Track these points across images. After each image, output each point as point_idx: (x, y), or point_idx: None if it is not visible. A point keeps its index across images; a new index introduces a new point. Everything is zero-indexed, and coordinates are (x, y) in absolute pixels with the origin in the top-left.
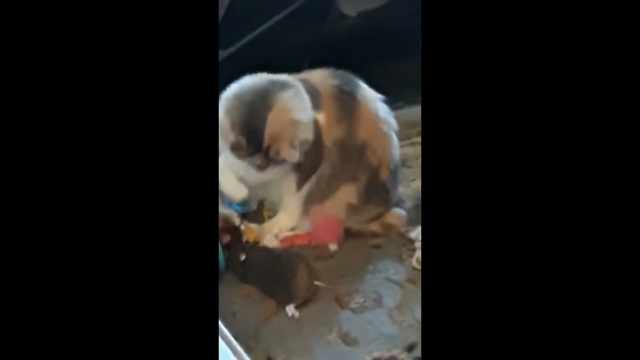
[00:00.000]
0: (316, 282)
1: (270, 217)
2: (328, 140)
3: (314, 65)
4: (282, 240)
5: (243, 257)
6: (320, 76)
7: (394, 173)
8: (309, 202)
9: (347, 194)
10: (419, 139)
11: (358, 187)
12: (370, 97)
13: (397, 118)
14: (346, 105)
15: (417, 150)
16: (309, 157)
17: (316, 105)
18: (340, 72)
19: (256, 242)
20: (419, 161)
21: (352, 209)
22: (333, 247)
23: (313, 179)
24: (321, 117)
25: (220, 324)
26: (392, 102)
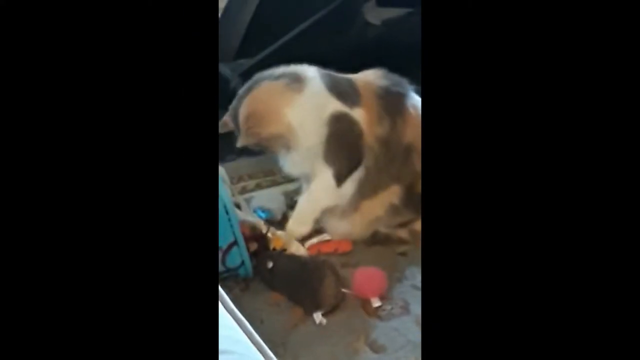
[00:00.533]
0: (343, 290)
1: None
2: (369, 137)
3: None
4: (309, 248)
5: (270, 265)
6: (371, 76)
7: None
8: (360, 197)
9: (392, 194)
10: None
11: (401, 189)
12: (420, 102)
13: None
14: (392, 105)
15: None
16: (342, 154)
17: (353, 101)
18: (393, 75)
19: (283, 250)
20: None
21: (392, 209)
22: (376, 303)
23: (361, 171)
24: (358, 114)
25: (251, 329)
26: None
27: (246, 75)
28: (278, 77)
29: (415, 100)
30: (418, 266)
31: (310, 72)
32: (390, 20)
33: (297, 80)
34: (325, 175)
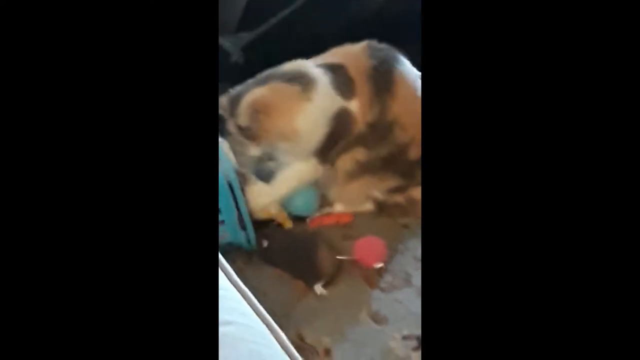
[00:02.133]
0: (338, 257)
1: None
2: (361, 124)
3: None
4: (311, 221)
5: (266, 244)
6: (360, 56)
7: None
8: (350, 177)
9: (375, 164)
10: None
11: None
12: (410, 74)
13: None
14: (381, 85)
15: None
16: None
17: (351, 93)
18: (380, 46)
19: (278, 225)
20: None
21: (363, 169)
22: (378, 265)
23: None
24: (354, 105)
25: (255, 301)
26: None
27: (247, 48)
28: (290, 80)
29: (404, 74)
30: (419, 238)
31: (316, 73)
32: None
33: (308, 86)
34: (307, 163)
